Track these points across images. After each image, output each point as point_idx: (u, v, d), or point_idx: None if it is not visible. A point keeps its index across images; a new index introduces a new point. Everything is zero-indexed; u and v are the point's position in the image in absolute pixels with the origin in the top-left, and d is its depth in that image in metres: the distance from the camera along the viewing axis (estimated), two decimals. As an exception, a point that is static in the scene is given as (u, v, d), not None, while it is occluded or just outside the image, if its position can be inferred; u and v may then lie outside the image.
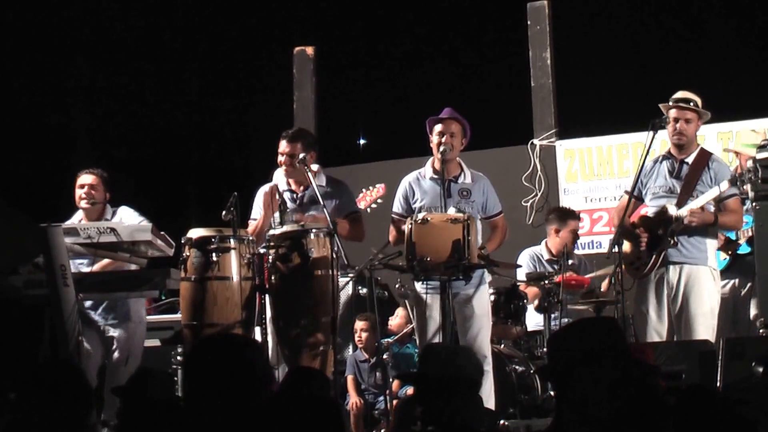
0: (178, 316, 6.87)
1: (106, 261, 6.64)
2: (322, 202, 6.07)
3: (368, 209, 8.12)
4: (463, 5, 11.79)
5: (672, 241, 6.30)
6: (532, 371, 6.98)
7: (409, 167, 6.73)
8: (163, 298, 8.22)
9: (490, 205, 6.56)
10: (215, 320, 5.83)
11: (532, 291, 7.42)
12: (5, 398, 3.88)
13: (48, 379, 3.60)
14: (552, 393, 6.29)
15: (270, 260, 5.91)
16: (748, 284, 6.95)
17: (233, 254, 5.87)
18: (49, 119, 11.99)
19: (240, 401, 3.09)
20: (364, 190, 8.26)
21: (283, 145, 6.44)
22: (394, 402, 7.04)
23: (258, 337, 5.95)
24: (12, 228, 6.26)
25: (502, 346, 7.25)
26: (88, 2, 11.76)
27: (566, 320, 6.93)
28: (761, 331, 6.01)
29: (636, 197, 6.53)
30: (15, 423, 3.60)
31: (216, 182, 11.56)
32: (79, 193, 6.95)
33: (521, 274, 7.53)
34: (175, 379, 7.34)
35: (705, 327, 6.28)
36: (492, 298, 7.13)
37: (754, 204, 6.23)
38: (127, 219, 6.79)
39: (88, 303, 6.63)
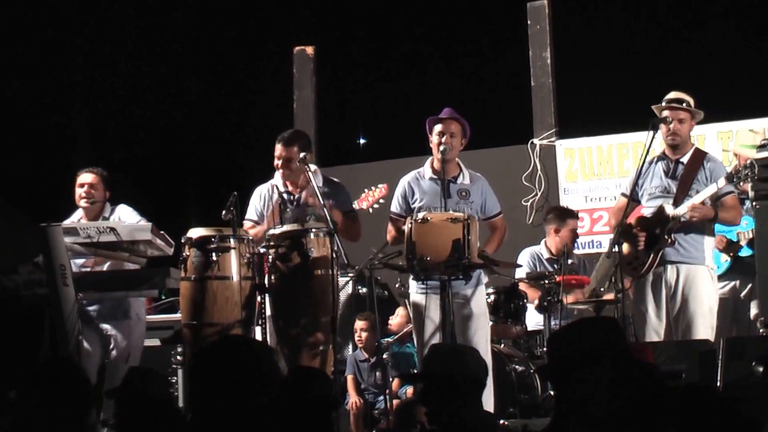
0: (177, 315, 6.87)
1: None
2: (322, 202, 6.07)
3: (370, 209, 8.11)
4: (463, 5, 11.78)
5: (669, 240, 6.32)
6: (532, 371, 6.98)
7: (411, 167, 6.73)
8: (163, 297, 8.22)
9: (489, 205, 6.56)
10: (215, 320, 5.83)
11: (532, 290, 7.42)
12: (5, 397, 3.88)
13: (48, 377, 3.60)
14: (552, 393, 6.29)
15: (270, 260, 5.90)
16: (749, 285, 6.97)
17: (233, 254, 5.87)
18: (49, 119, 11.99)
19: (249, 405, 3.09)
20: (366, 190, 8.24)
21: (279, 149, 6.43)
22: (394, 401, 7.04)
23: (258, 336, 5.95)
24: (12, 228, 6.26)
25: (502, 345, 7.25)
26: (88, 2, 11.75)
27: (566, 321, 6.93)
28: (761, 330, 6.01)
29: (632, 199, 6.55)
30: (16, 422, 3.60)
31: (216, 182, 11.55)
32: (79, 192, 6.96)
33: (521, 274, 7.53)
34: (175, 379, 7.35)
35: (704, 327, 6.30)
36: (492, 297, 7.14)
37: (754, 203, 6.24)
38: (126, 217, 6.80)
39: (87, 301, 6.63)
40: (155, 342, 7.73)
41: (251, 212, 6.52)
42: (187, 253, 5.92)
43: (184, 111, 12.69)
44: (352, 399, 7.31)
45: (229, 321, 5.82)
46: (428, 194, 6.44)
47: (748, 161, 6.27)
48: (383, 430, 6.95)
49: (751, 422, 3.17)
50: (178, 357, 7.27)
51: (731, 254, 7.05)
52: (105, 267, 6.76)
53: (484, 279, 6.53)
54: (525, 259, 7.81)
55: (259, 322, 6.01)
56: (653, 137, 6.37)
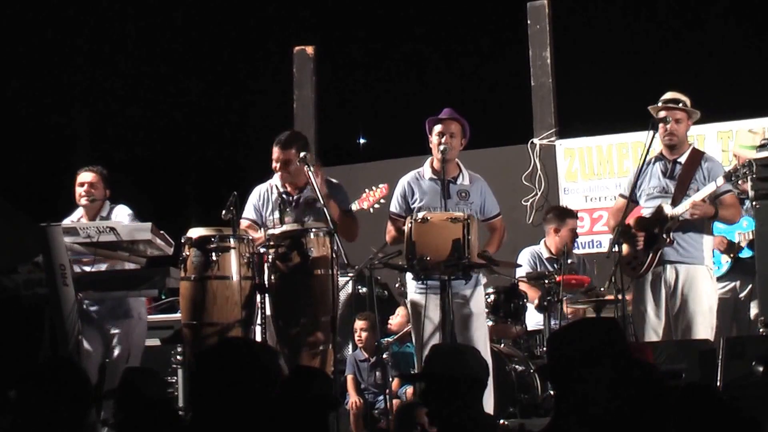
0: (177, 315, 6.86)
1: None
2: (322, 201, 6.07)
3: (371, 209, 8.09)
4: (463, 5, 11.79)
5: (668, 240, 6.33)
6: (531, 370, 6.98)
7: (412, 166, 6.72)
8: (163, 297, 8.21)
9: (488, 207, 6.56)
10: (215, 319, 5.82)
11: (532, 290, 7.42)
12: (5, 397, 3.88)
13: (48, 376, 3.60)
14: (552, 392, 6.29)
15: (270, 259, 5.90)
16: (749, 286, 6.98)
17: (233, 253, 5.86)
18: (49, 119, 12.00)
19: (250, 406, 3.08)
20: (366, 190, 8.22)
21: (277, 152, 6.43)
22: (394, 401, 7.04)
23: (258, 336, 5.95)
24: (12, 227, 6.26)
25: (502, 345, 7.25)
26: (88, 2, 11.75)
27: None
28: (761, 330, 6.01)
29: (631, 200, 6.55)
30: (16, 422, 3.60)
31: (216, 182, 11.55)
32: (79, 191, 6.96)
33: (521, 273, 7.53)
34: (175, 378, 7.35)
35: (704, 326, 6.30)
36: (492, 297, 7.15)
37: (754, 203, 6.24)
38: (120, 219, 6.78)
39: (88, 300, 6.63)
40: (155, 342, 7.73)
41: (249, 211, 6.51)
42: (187, 253, 5.92)
43: (184, 111, 12.69)
44: (352, 399, 7.31)
45: (229, 321, 5.82)
46: (428, 194, 6.44)
47: (747, 160, 6.27)
48: (383, 430, 6.95)
49: (751, 421, 3.17)
50: (178, 357, 7.27)
51: (732, 255, 7.05)
52: (103, 267, 6.75)
53: (483, 279, 6.54)
54: (525, 258, 7.81)
55: (260, 322, 6.01)
56: (653, 137, 6.38)
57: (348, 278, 7.56)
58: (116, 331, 6.75)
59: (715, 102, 9.03)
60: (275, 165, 6.45)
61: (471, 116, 6.62)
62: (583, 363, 3.00)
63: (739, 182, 6.41)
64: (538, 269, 7.64)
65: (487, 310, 6.94)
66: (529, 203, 9.59)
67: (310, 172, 6.23)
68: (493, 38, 11.55)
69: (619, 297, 6.22)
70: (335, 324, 5.84)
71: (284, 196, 6.49)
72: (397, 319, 7.91)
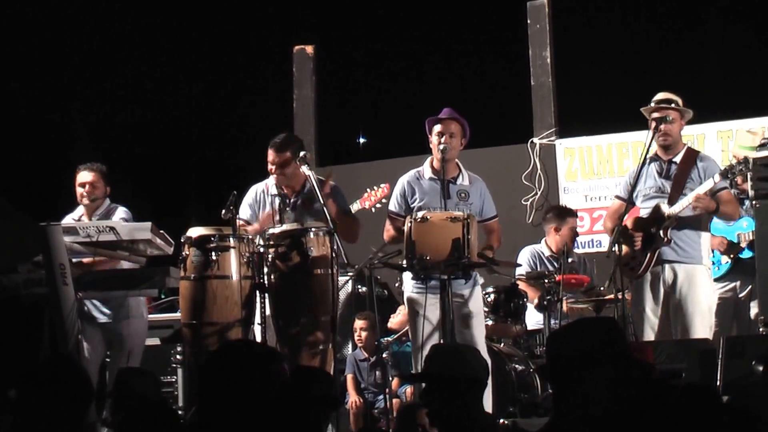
0: (177, 314, 6.87)
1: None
2: (322, 201, 6.07)
3: (373, 209, 8.10)
4: (463, 4, 11.78)
5: (666, 239, 6.33)
6: (531, 370, 6.98)
7: (413, 166, 6.72)
8: (163, 296, 8.22)
9: (487, 208, 6.57)
10: (215, 319, 5.83)
11: (531, 290, 7.42)
12: (5, 397, 3.88)
13: (48, 374, 3.60)
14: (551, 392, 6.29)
15: (269, 259, 5.90)
16: (749, 286, 6.98)
17: (233, 253, 5.87)
18: (49, 118, 11.99)
19: (254, 409, 3.08)
20: (368, 190, 8.23)
21: (272, 154, 6.43)
22: (394, 401, 7.04)
23: (258, 336, 5.95)
24: (12, 227, 6.26)
25: (502, 344, 7.25)
26: (88, 2, 11.75)
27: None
28: (761, 330, 6.01)
29: (627, 200, 6.56)
30: (16, 422, 3.59)
31: (216, 181, 11.54)
32: (80, 191, 6.98)
33: (520, 272, 7.53)
34: (174, 378, 7.35)
35: (702, 326, 6.32)
36: (492, 296, 7.15)
37: (753, 202, 6.24)
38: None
39: (88, 300, 6.63)
40: (155, 341, 7.74)
41: (244, 211, 6.51)
42: (187, 253, 5.92)
43: (184, 111, 12.69)
44: (352, 398, 7.31)
45: (229, 320, 5.82)
46: (428, 194, 6.44)
47: (743, 157, 6.28)
48: (383, 430, 6.95)
49: (751, 420, 3.17)
50: (178, 356, 7.27)
51: (732, 256, 7.05)
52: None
53: (480, 279, 6.54)
54: (525, 257, 7.81)
55: (260, 322, 6.01)
56: (653, 137, 6.39)
57: (348, 278, 7.56)
58: (116, 330, 6.74)
59: (715, 102, 9.04)
60: (270, 167, 6.46)
61: (471, 116, 6.62)
62: (582, 363, 3.00)
63: (737, 180, 6.42)
64: (539, 268, 7.64)
65: (486, 310, 6.94)
66: (528, 203, 9.58)
67: (309, 173, 6.23)
68: (493, 38, 11.53)
69: (619, 297, 6.22)
70: (335, 323, 5.84)
71: (282, 197, 6.50)
72: (398, 318, 7.90)
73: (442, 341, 6.05)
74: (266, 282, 5.93)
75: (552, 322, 7.08)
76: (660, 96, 6.59)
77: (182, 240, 6.00)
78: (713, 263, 6.96)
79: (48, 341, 6.00)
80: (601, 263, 7.72)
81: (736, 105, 9.13)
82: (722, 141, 8.94)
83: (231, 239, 5.88)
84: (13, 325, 6.20)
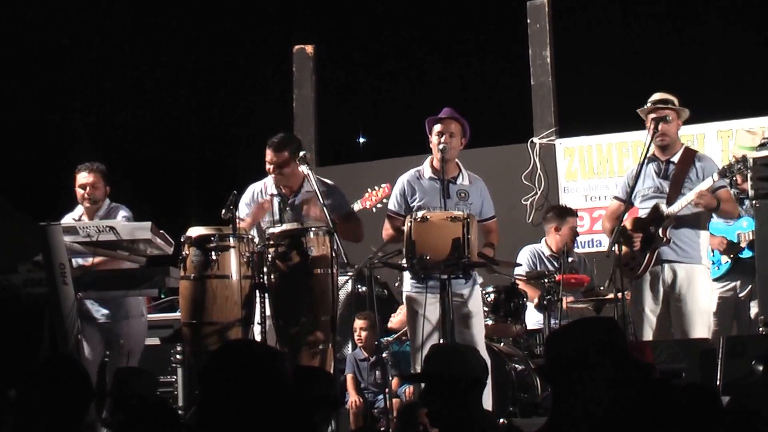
0: (177, 314, 6.87)
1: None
2: (322, 200, 6.07)
3: (374, 209, 8.10)
4: (463, 4, 11.78)
5: (665, 239, 6.34)
6: (531, 370, 6.98)
7: (412, 166, 6.72)
8: (163, 296, 8.22)
9: (486, 208, 6.57)
10: (215, 319, 5.83)
11: (531, 289, 7.42)
12: (5, 397, 3.87)
13: (48, 374, 3.60)
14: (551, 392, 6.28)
15: (269, 258, 5.90)
16: (749, 286, 6.99)
17: (233, 253, 5.87)
18: (49, 118, 11.99)
19: (255, 410, 3.08)
20: (369, 189, 8.23)
21: (270, 154, 6.44)
22: (394, 401, 7.04)
23: (257, 335, 5.95)
24: (12, 227, 6.26)
25: (502, 344, 7.25)
26: (88, 2, 11.75)
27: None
28: (761, 329, 6.02)
29: (625, 201, 6.56)
30: (16, 422, 3.59)
31: (216, 181, 11.54)
32: (80, 192, 6.99)
33: (520, 272, 7.53)
34: (174, 377, 7.35)
35: (702, 325, 6.33)
36: (492, 296, 7.14)
37: (753, 202, 6.24)
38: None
39: (88, 300, 6.63)
40: (155, 341, 7.74)
41: (242, 210, 6.51)
42: (187, 252, 5.92)
43: (184, 111, 12.69)
44: (352, 398, 7.30)
45: (229, 320, 5.82)
46: (428, 194, 6.44)
47: (742, 156, 6.29)
48: (383, 430, 6.94)
49: (752, 420, 3.17)
50: (178, 356, 7.27)
51: (732, 255, 7.06)
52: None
53: (479, 279, 6.54)
54: (525, 256, 7.82)
55: (260, 322, 6.01)
56: (653, 137, 6.39)
57: (348, 277, 7.56)
58: (116, 329, 6.75)
59: (715, 102, 9.04)
60: (269, 167, 6.46)
61: (471, 115, 6.62)
62: (582, 363, 3.00)
63: (737, 180, 6.43)
64: (539, 267, 7.64)
65: (486, 309, 6.94)
66: (528, 202, 9.58)
67: (309, 172, 6.24)
68: (492, 37, 11.53)
69: (619, 297, 6.22)
70: (335, 323, 5.84)
71: (282, 197, 6.50)
72: (398, 317, 7.90)
73: (441, 341, 6.05)
74: (266, 282, 5.93)
75: (552, 321, 7.08)
76: (657, 96, 6.59)
77: (182, 240, 6.00)
78: (713, 263, 6.97)
79: (48, 341, 5.99)
80: (601, 263, 7.72)
81: (735, 105, 9.14)
82: (722, 141, 8.94)
83: (231, 239, 5.88)
84: (13, 325, 6.20)
